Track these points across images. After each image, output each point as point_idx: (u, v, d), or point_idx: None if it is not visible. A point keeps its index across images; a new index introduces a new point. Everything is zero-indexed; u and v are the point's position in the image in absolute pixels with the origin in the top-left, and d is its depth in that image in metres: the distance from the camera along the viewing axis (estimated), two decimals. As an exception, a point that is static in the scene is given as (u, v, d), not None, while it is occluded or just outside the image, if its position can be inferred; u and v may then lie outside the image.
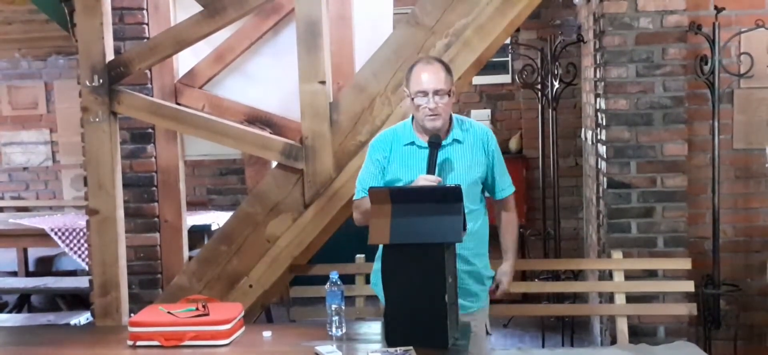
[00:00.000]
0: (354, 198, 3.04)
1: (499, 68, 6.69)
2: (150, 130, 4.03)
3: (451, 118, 2.95)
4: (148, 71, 3.90)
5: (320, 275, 3.69)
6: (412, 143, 2.95)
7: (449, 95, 2.86)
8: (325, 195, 3.53)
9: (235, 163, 6.86)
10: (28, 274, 6.08)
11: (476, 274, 3.00)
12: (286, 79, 3.73)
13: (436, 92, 2.83)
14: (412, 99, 2.87)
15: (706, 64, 3.99)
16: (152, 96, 3.92)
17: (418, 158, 2.90)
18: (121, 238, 3.59)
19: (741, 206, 4.23)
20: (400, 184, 2.91)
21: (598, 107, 4.26)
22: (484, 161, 2.97)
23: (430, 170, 2.80)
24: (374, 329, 2.94)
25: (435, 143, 2.84)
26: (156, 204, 4.07)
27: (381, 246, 2.81)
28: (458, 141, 2.95)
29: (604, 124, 4.07)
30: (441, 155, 2.88)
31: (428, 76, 2.84)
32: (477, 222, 2.96)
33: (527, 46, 5.95)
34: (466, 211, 2.65)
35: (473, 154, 2.96)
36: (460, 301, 2.80)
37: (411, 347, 2.48)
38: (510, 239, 3.15)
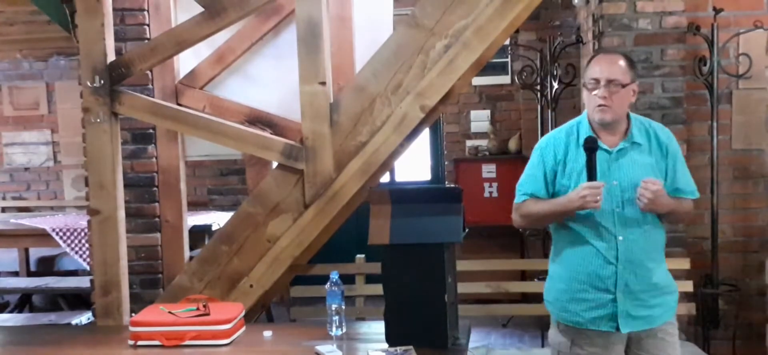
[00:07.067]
0: (515, 202, 2.85)
1: (499, 69, 6.71)
2: (151, 131, 4.04)
3: (628, 118, 2.72)
4: (149, 72, 3.90)
5: (320, 274, 3.70)
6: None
7: (624, 88, 2.63)
8: (325, 195, 3.53)
9: (235, 164, 6.88)
10: (29, 274, 6.09)
11: (654, 283, 2.70)
12: (287, 80, 3.73)
13: (609, 82, 2.61)
14: (586, 88, 2.68)
15: (705, 65, 4.00)
16: (153, 97, 3.93)
17: (598, 160, 2.62)
18: (122, 238, 3.60)
19: (739, 207, 4.25)
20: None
21: (597, 108, 4.26)
22: (664, 166, 2.72)
23: (591, 177, 2.58)
24: (374, 328, 2.95)
25: (591, 148, 2.59)
26: (157, 204, 4.07)
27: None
28: (637, 143, 2.70)
29: (603, 124, 4.07)
30: (619, 159, 2.68)
31: (603, 64, 2.65)
32: (655, 228, 2.71)
33: (526, 47, 5.96)
34: (638, 218, 2.60)
35: (653, 158, 2.70)
36: (643, 313, 2.65)
37: (411, 347, 2.50)
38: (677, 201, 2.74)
